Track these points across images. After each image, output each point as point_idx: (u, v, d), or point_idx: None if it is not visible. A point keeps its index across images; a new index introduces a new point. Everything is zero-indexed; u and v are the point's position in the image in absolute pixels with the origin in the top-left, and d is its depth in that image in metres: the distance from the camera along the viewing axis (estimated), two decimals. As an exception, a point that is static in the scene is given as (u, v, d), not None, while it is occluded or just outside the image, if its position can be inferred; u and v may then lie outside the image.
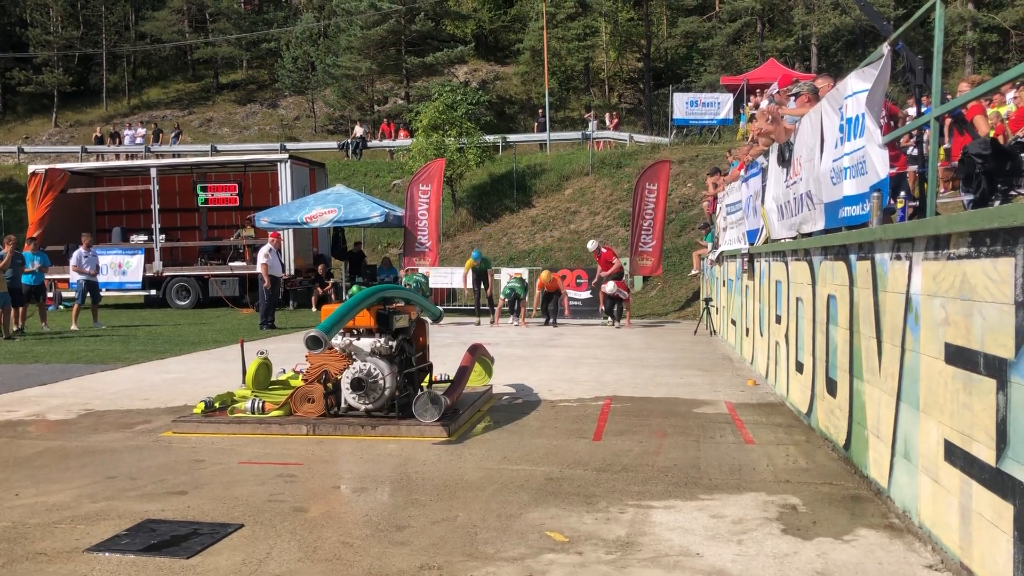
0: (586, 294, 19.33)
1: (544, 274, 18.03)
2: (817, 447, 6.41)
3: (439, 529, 4.52)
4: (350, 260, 24.09)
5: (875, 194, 5.20)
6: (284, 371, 8.63)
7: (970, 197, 4.82)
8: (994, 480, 3.35)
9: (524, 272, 19.78)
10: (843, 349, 5.85)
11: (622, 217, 24.59)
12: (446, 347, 12.32)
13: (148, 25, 51.69)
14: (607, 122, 34.72)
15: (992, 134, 7.26)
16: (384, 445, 6.56)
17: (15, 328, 15.65)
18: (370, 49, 42.99)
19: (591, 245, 18.17)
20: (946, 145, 6.98)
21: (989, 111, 7.98)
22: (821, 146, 6.65)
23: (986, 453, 3.42)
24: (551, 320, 17.93)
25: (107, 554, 4.17)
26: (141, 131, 38.07)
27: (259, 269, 17.11)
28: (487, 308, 19.32)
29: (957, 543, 3.75)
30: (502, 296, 18.50)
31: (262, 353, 8.00)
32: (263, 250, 17.21)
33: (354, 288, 9.45)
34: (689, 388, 9.33)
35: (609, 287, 17.30)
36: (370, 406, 6.98)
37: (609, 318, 17.59)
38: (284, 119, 46.55)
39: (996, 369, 3.34)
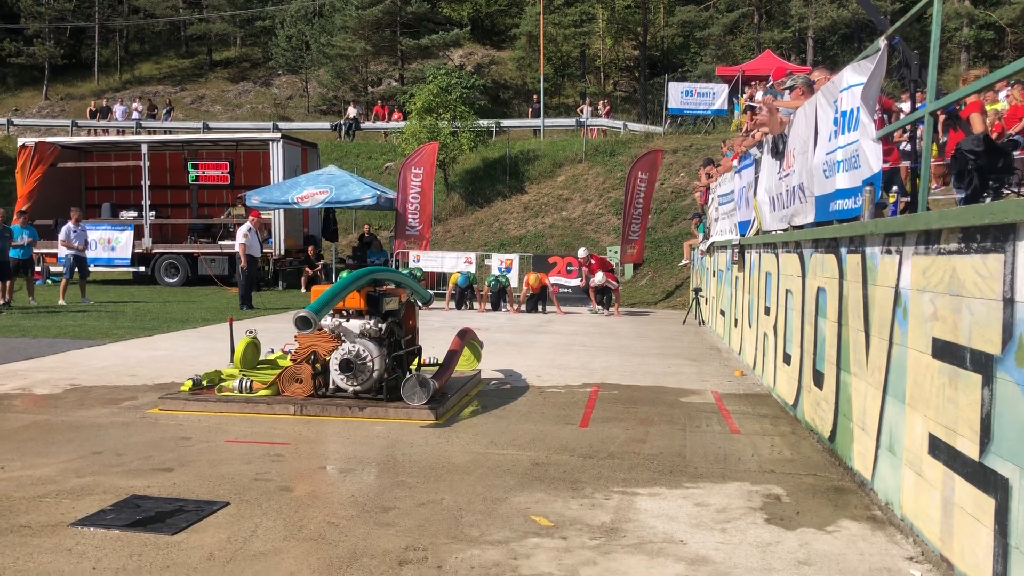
0: (576, 281, 19.37)
1: (532, 277, 18.06)
2: (802, 438, 6.45)
3: (425, 511, 4.54)
4: (360, 244, 24.03)
5: (867, 188, 5.22)
6: (272, 351, 8.62)
7: (963, 194, 4.84)
8: (977, 474, 3.38)
9: (515, 258, 19.79)
10: (831, 342, 5.88)
11: (614, 205, 24.58)
12: (435, 330, 12.32)
13: (142, -1, 51.27)
14: (600, 109, 34.65)
15: (991, 131, 7.28)
16: (371, 427, 6.57)
17: (2, 302, 15.57)
18: (365, 30, 42.73)
19: (581, 253, 18.18)
20: (942, 140, 7.01)
21: (988, 108, 7.99)
22: (815, 139, 6.65)
23: (970, 447, 3.45)
24: (540, 308, 17.98)
25: (92, 529, 4.17)
26: (137, 105, 37.71)
27: (237, 248, 17.02)
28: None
29: (938, 535, 3.79)
30: (487, 284, 18.51)
31: (251, 332, 7.98)
32: (242, 229, 17.10)
33: (343, 272, 9.43)
34: (677, 377, 9.36)
35: (598, 278, 17.34)
36: (358, 388, 6.98)
37: (599, 307, 17.64)
38: (277, 98, 46.24)
39: (982, 365, 3.36)
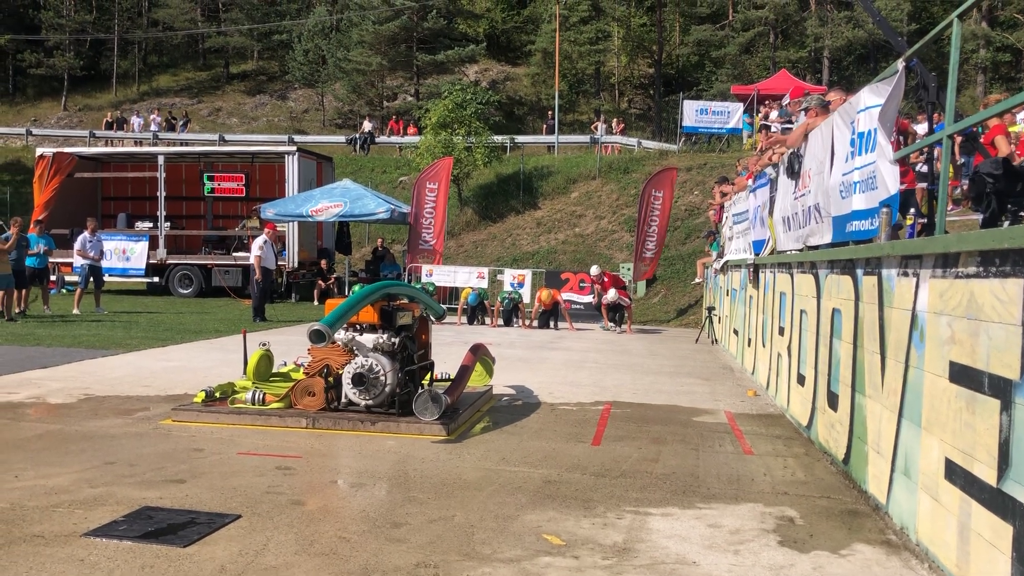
0: (588, 298, 19.36)
1: (544, 293, 18.04)
2: (816, 460, 6.40)
3: (436, 527, 4.52)
4: (373, 258, 24.10)
5: (884, 209, 5.20)
6: (285, 363, 8.63)
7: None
8: (994, 500, 3.35)
9: (528, 274, 19.80)
10: (846, 363, 5.85)
11: (627, 222, 24.58)
12: (448, 345, 12.32)
13: (161, 12, 51.80)
14: (613, 127, 34.74)
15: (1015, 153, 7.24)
16: (383, 441, 6.56)
17: (18, 310, 15.67)
18: (381, 45, 43.04)
19: (594, 270, 18.24)
20: (960, 162, 6.99)
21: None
22: (831, 159, 6.64)
23: (987, 473, 3.42)
24: (552, 324, 17.97)
25: (104, 539, 4.17)
26: (154, 117, 38.02)
27: (252, 260, 17.09)
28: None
29: (954, 562, 3.75)
30: (499, 300, 18.51)
31: (264, 344, 8.00)
32: (257, 241, 17.16)
33: (356, 286, 9.46)
34: (689, 396, 9.32)
35: (610, 295, 17.32)
36: (370, 402, 6.98)
37: (611, 324, 17.60)
38: (293, 111, 46.58)
39: (1000, 389, 3.33)
